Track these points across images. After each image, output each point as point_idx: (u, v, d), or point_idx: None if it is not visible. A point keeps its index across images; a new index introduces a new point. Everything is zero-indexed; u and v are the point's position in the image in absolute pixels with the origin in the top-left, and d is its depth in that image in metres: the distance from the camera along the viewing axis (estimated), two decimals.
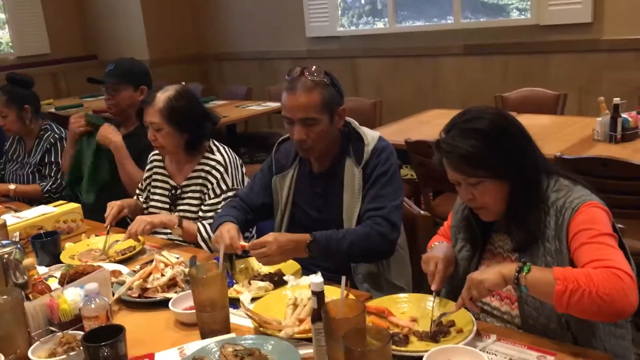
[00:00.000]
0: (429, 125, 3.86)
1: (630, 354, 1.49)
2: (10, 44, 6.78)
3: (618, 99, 2.94)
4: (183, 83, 2.82)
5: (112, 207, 2.23)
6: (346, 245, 1.80)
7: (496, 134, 1.46)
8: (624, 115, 2.93)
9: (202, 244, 2.15)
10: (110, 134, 2.78)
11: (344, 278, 1.35)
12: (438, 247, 1.68)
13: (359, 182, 1.90)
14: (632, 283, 1.28)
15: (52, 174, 3.11)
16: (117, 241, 2.17)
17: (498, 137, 1.46)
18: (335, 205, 1.94)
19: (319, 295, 1.34)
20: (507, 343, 1.40)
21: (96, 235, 2.31)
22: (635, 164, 2.34)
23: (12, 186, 3.03)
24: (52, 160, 3.11)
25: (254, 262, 1.94)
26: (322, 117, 1.85)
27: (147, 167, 2.52)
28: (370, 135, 1.95)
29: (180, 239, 2.26)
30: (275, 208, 2.08)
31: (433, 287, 1.55)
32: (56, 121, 3.39)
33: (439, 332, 1.45)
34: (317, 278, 1.35)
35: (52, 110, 5.47)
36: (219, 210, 2.20)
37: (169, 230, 2.29)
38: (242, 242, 1.82)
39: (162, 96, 2.27)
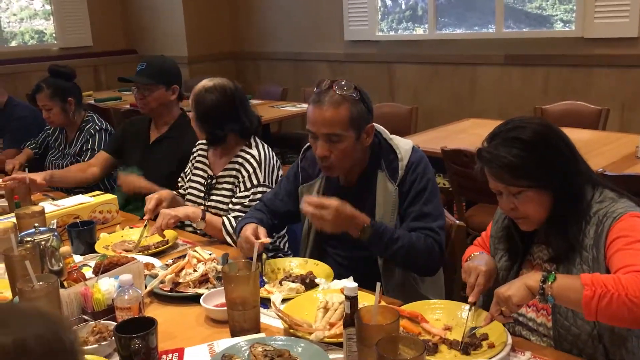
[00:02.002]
0: (465, 134, 3.82)
1: None
2: (54, 35, 6.93)
3: None
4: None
5: (150, 201, 2.25)
6: (396, 247, 1.77)
7: (539, 144, 1.44)
8: None
9: (227, 237, 2.15)
10: (134, 182, 2.70)
11: (378, 284, 1.33)
12: (479, 257, 1.64)
13: (395, 200, 1.86)
14: None
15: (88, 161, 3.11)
16: (145, 236, 2.18)
17: (541, 147, 1.44)
18: None
19: (352, 300, 1.32)
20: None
21: (130, 227, 2.33)
22: None
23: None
24: (89, 147, 3.13)
25: (285, 262, 1.94)
26: (347, 134, 1.80)
27: (193, 155, 2.55)
28: (404, 148, 1.90)
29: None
30: (303, 216, 2.06)
31: (470, 299, 1.52)
32: (98, 113, 3.43)
33: (470, 344, 1.42)
34: (351, 283, 1.34)
35: (92, 102, 5.56)
36: (245, 203, 2.21)
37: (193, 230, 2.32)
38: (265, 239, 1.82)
39: (201, 84, 2.32)
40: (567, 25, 4.95)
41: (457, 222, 2.05)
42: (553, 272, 1.34)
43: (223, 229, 2.16)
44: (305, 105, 5.22)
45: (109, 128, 3.24)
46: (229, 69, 7.05)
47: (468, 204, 3.41)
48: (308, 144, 2.09)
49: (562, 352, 1.42)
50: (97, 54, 7.03)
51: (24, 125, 3.51)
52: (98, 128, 3.18)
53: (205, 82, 2.33)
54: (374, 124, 1.87)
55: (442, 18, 5.73)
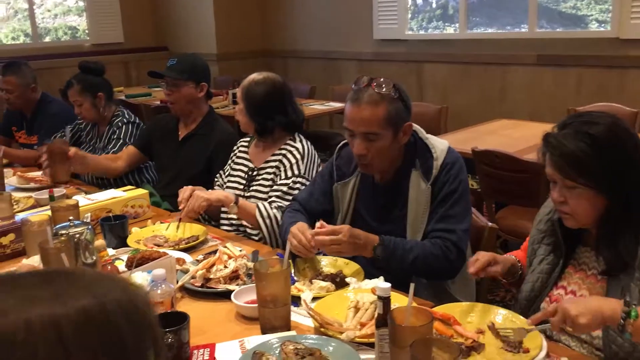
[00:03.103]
0: (495, 135, 3.78)
1: None
2: (87, 31, 7.03)
3: None
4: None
5: (185, 191, 2.24)
6: (411, 258, 1.78)
7: (609, 144, 1.39)
8: None
9: (260, 220, 2.16)
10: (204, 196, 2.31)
11: (412, 285, 1.32)
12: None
13: (427, 199, 1.85)
14: None
15: (116, 148, 3.13)
16: (178, 219, 2.20)
17: (610, 148, 1.39)
18: (399, 218, 1.90)
19: (385, 300, 1.31)
20: None
21: (161, 222, 2.35)
22: None
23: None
24: (117, 137, 3.15)
25: (315, 261, 1.93)
26: (385, 132, 1.80)
27: (233, 152, 2.58)
28: (439, 148, 1.89)
29: (248, 227, 2.29)
30: (336, 215, 2.06)
31: (470, 270, 1.54)
32: (128, 108, 3.47)
33: (507, 346, 1.40)
34: (383, 283, 1.33)
35: (123, 98, 5.63)
36: (284, 190, 2.24)
37: (232, 216, 2.33)
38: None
39: (250, 77, 2.36)
40: (603, 25, 4.86)
41: (490, 223, 2.02)
42: (636, 309, 1.26)
43: (257, 212, 2.17)
44: (333, 104, 5.25)
45: (138, 122, 3.28)
46: (257, 67, 7.00)
47: (497, 206, 3.37)
48: (343, 141, 2.09)
49: (606, 351, 1.38)
50: (128, 50, 7.12)
51: (58, 122, 3.56)
52: (126, 121, 3.21)
53: (255, 76, 2.38)
54: (411, 122, 1.86)
55: (474, 17, 5.67)
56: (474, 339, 1.43)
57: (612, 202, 1.40)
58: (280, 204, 2.23)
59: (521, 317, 1.48)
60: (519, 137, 3.61)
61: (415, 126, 1.93)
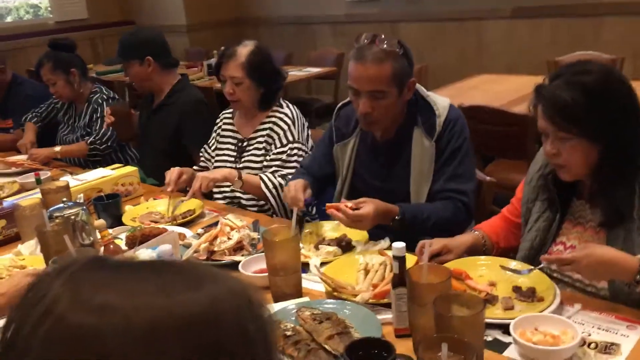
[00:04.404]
0: (477, 90, 3.77)
1: None
2: (49, 8, 6.79)
3: None
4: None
5: (172, 172, 2.22)
6: (428, 225, 1.78)
7: (601, 93, 1.38)
8: None
9: (266, 191, 2.15)
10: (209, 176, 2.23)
11: (427, 243, 1.31)
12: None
13: (431, 156, 1.84)
14: None
15: (97, 128, 3.06)
16: (181, 201, 2.17)
17: (603, 96, 1.37)
18: (402, 176, 1.89)
19: (400, 260, 1.31)
20: (593, 312, 1.36)
21: (154, 199, 2.31)
22: None
23: (57, 148, 3.02)
24: (99, 116, 3.08)
25: (319, 226, 1.92)
26: (391, 90, 1.77)
27: (217, 125, 2.53)
28: (441, 105, 1.87)
29: (242, 197, 2.27)
30: (337, 176, 2.05)
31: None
32: (104, 85, 3.38)
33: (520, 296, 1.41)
34: (398, 243, 1.32)
35: (94, 75, 5.48)
36: (283, 158, 2.23)
37: (226, 189, 2.30)
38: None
39: (244, 50, 2.28)
40: None
41: (488, 178, 2.02)
42: None
43: (262, 184, 2.16)
44: (311, 69, 5.18)
45: (118, 98, 3.21)
46: (229, 36, 6.92)
47: (485, 161, 3.39)
48: (341, 103, 2.07)
49: (613, 302, 1.40)
50: (93, 26, 6.89)
51: (32, 103, 3.45)
52: (106, 97, 3.14)
53: (248, 48, 2.29)
54: (414, 78, 1.84)
55: None
56: (488, 291, 1.44)
57: (605, 152, 1.39)
58: (282, 173, 2.21)
59: (533, 267, 1.49)
60: (500, 91, 3.61)
61: (416, 85, 1.90)
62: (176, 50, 6.17)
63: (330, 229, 1.90)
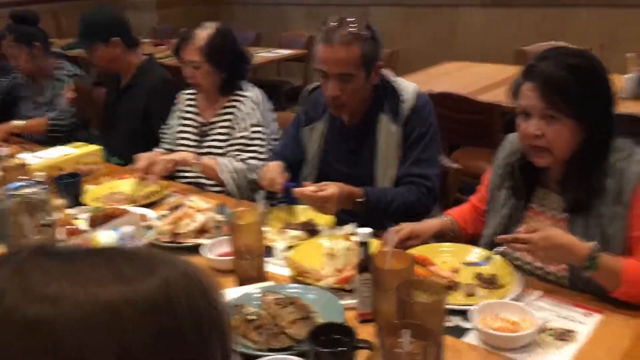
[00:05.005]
0: (448, 77, 3.79)
1: None
2: None
3: None
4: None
5: (142, 160, 2.15)
6: (392, 209, 1.79)
7: (591, 75, 1.40)
8: None
9: (224, 175, 2.11)
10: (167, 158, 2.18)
11: (392, 229, 1.31)
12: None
13: (398, 141, 1.84)
14: None
15: (60, 104, 2.99)
16: (145, 185, 2.13)
17: (592, 78, 1.40)
18: (368, 161, 1.89)
19: (365, 245, 1.31)
20: (552, 300, 1.38)
21: (118, 179, 2.26)
22: None
23: (16, 123, 2.92)
24: (61, 92, 3.01)
25: (285, 210, 1.91)
26: (359, 73, 1.77)
27: (178, 106, 2.47)
28: (408, 90, 1.87)
29: (206, 182, 2.24)
30: (305, 160, 2.03)
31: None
32: (69, 61, 3.29)
33: (482, 283, 1.43)
34: (364, 229, 1.32)
35: (59, 50, 5.32)
36: (245, 142, 2.19)
37: (189, 174, 2.27)
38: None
39: (203, 33, 2.21)
40: None
41: (454, 165, 2.04)
42: (597, 262, 1.31)
43: (219, 167, 2.12)
44: (281, 51, 5.13)
45: (83, 74, 3.13)
46: (201, 14, 6.79)
47: (450, 149, 3.41)
48: (310, 86, 2.04)
49: (573, 289, 1.43)
50: None
51: None
52: (71, 74, 3.06)
53: (208, 31, 2.23)
54: (382, 62, 1.83)
55: None
56: (450, 278, 1.46)
57: (588, 135, 1.41)
58: (243, 157, 2.18)
59: (495, 255, 1.51)
60: (470, 79, 3.64)
61: (383, 70, 1.89)
62: (143, 27, 6.07)
63: (296, 214, 1.89)
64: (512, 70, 3.69)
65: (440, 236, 1.67)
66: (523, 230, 1.41)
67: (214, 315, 0.56)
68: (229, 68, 2.25)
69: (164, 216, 1.83)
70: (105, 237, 1.53)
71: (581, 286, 1.42)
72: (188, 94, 2.46)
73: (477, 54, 4.89)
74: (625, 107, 2.74)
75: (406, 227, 1.60)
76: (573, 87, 1.37)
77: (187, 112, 2.42)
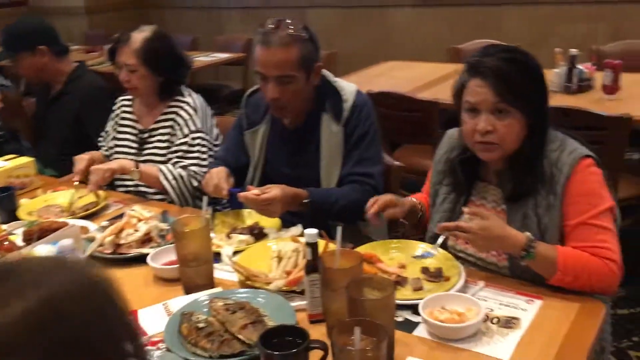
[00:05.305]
0: (385, 77, 3.84)
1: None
2: None
3: (575, 50, 3.00)
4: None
5: (81, 161, 2.10)
6: (337, 208, 1.80)
7: (533, 69, 1.45)
8: (579, 66, 2.99)
9: (165, 183, 2.07)
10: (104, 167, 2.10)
11: (339, 229, 1.32)
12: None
13: (340, 141, 1.85)
14: (620, 273, 1.38)
15: None
16: (80, 197, 2.06)
17: (534, 73, 1.45)
18: (312, 163, 1.89)
19: (313, 246, 1.31)
20: (495, 289, 1.43)
21: (53, 191, 2.18)
22: (596, 114, 2.40)
23: None
24: None
25: (230, 215, 1.89)
26: (299, 74, 1.77)
27: (114, 113, 2.40)
28: (348, 90, 1.89)
29: (148, 191, 2.20)
30: (249, 164, 2.02)
31: (369, 212, 1.57)
32: None
33: (428, 277, 1.46)
34: (310, 229, 1.32)
35: None
36: (184, 149, 2.15)
37: (129, 183, 2.22)
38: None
39: (139, 36, 2.16)
40: None
41: (395, 162, 2.07)
42: (532, 252, 1.36)
43: (160, 175, 2.08)
44: (218, 55, 5.08)
45: (10, 85, 3.01)
46: (132, 19, 6.66)
47: (393, 147, 3.47)
48: (250, 89, 2.03)
49: (514, 278, 1.48)
50: None
51: None
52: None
53: (144, 34, 2.18)
54: (321, 63, 1.84)
55: None
56: (398, 274, 1.48)
57: (533, 129, 1.46)
58: (183, 163, 2.14)
59: (440, 249, 1.54)
60: (407, 78, 3.70)
61: (323, 70, 1.90)
62: (73, 33, 5.88)
63: (241, 218, 1.87)
64: (447, 68, 3.81)
65: (412, 213, 1.68)
66: (467, 210, 1.44)
67: (112, 311, 0.56)
68: (167, 72, 2.21)
69: (104, 227, 1.78)
70: (42, 251, 1.48)
71: (520, 274, 1.47)
72: (124, 100, 2.39)
73: (411, 54, 4.98)
74: (555, 101, 2.86)
75: (385, 197, 1.60)
76: (520, 81, 1.42)
77: (125, 119, 2.36)
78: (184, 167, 2.13)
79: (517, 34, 4.67)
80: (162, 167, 2.11)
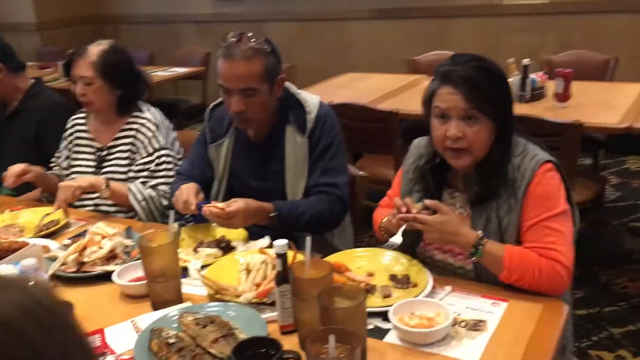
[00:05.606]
0: (345, 88, 3.89)
1: (569, 295, 1.60)
2: None
3: (527, 60, 3.10)
4: None
5: (14, 167, 2.07)
6: (305, 220, 1.80)
7: (500, 78, 1.50)
8: (532, 75, 3.10)
9: (135, 203, 2.05)
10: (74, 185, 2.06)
11: (309, 239, 1.33)
12: None
13: (305, 153, 1.87)
14: (569, 276, 1.44)
15: None
16: (47, 214, 2.02)
17: (501, 81, 1.50)
18: (277, 175, 1.90)
19: (283, 257, 1.31)
20: (461, 293, 1.46)
21: (11, 210, 2.13)
22: (551, 121, 2.49)
23: None
24: None
25: (196, 229, 1.88)
26: (262, 87, 1.78)
27: (68, 132, 2.34)
28: (311, 102, 1.91)
29: (109, 210, 2.16)
30: (214, 178, 2.01)
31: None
32: None
33: (397, 284, 1.48)
34: (280, 240, 1.33)
35: None
36: (152, 168, 2.13)
37: (88, 203, 2.18)
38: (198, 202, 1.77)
39: (96, 49, 2.13)
40: None
41: (361, 172, 2.09)
42: (480, 250, 1.42)
43: (130, 195, 2.05)
44: (177, 69, 5.04)
45: None
46: (85, 35, 6.55)
47: (355, 157, 3.50)
48: (213, 103, 2.03)
49: (479, 282, 1.52)
50: None
51: None
52: None
53: (101, 47, 2.15)
54: (284, 75, 1.85)
55: None
56: (367, 282, 1.50)
57: (500, 135, 1.51)
58: (152, 183, 2.12)
59: (406, 256, 1.57)
60: (366, 89, 3.75)
61: (287, 83, 1.92)
62: (25, 50, 5.74)
63: (208, 231, 1.86)
64: (405, 79, 3.88)
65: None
66: (428, 202, 1.48)
67: (61, 322, 0.56)
68: (125, 86, 2.18)
69: (66, 246, 1.74)
70: (4, 272, 1.44)
71: (485, 276, 1.51)
72: (77, 118, 2.35)
73: (368, 65, 5.06)
74: None
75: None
76: (489, 88, 1.47)
77: (80, 138, 2.31)
78: (153, 187, 2.11)
79: (470, 45, 4.79)
80: (132, 186, 2.08)
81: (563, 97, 2.95)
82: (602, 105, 2.96)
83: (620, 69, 3.75)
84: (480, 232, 1.44)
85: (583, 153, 3.42)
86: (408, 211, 1.47)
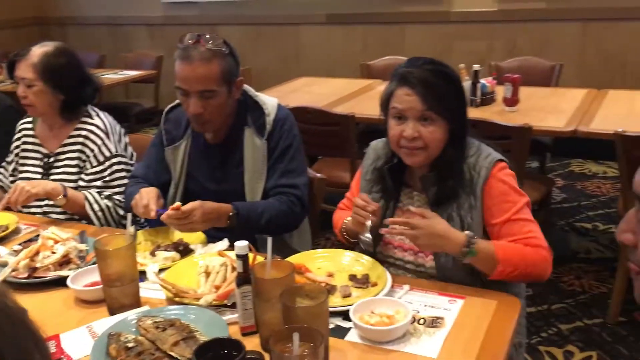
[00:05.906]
0: (299, 92, 3.90)
1: (523, 291, 1.65)
2: None
3: (477, 65, 3.19)
4: None
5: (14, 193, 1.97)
6: (264, 221, 1.80)
7: (455, 81, 1.55)
8: (482, 81, 3.18)
9: (91, 213, 2.01)
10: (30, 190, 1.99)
11: (270, 240, 1.33)
12: None
13: (264, 155, 1.87)
14: (550, 256, 1.50)
15: None
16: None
17: (456, 84, 1.55)
18: (236, 176, 1.89)
19: (244, 258, 1.31)
20: (419, 291, 1.49)
21: None
22: (501, 124, 2.56)
23: None
24: None
25: (152, 233, 1.85)
26: (221, 89, 1.77)
27: (16, 137, 2.27)
28: (270, 104, 1.91)
29: (59, 217, 2.09)
30: (171, 181, 1.99)
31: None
32: None
33: (356, 283, 1.50)
34: (241, 242, 1.32)
35: None
36: (106, 178, 2.08)
37: (36, 210, 2.12)
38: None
39: (38, 51, 2.07)
40: None
41: (318, 174, 2.10)
42: (474, 249, 1.44)
43: (87, 204, 2.01)
44: (128, 72, 4.96)
45: None
46: (31, 37, 6.36)
47: (311, 160, 3.51)
48: (169, 105, 2.01)
49: (441, 279, 1.55)
50: None
51: None
52: None
53: (45, 49, 2.08)
54: (242, 78, 1.85)
55: None
56: (327, 282, 1.51)
57: (453, 136, 1.55)
58: (107, 193, 2.08)
59: (365, 256, 1.59)
60: (321, 93, 3.78)
61: (245, 85, 1.92)
62: None
63: (165, 235, 1.84)
64: (360, 84, 3.93)
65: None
66: (415, 210, 1.50)
67: (19, 321, 0.56)
68: (70, 90, 2.11)
69: (16, 251, 1.69)
70: None
71: (448, 274, 1.54)
72: (25, 123, 2.28)
73: (322, 70, 5.10)
74: None
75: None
76: (445, 91, 1.51)
77: (27, 143, 2.24)
78: (109, 197, 2.07)
79: (423, 51, 4.85)
80: (88, 195, 2.03)
81: (511, 101, 3.04)
82: (549, 109, 3.07)
83: (564, 75, 3.89)
84: (468, 232, 1.46)
85: (531, 156, 3.53)
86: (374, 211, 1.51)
